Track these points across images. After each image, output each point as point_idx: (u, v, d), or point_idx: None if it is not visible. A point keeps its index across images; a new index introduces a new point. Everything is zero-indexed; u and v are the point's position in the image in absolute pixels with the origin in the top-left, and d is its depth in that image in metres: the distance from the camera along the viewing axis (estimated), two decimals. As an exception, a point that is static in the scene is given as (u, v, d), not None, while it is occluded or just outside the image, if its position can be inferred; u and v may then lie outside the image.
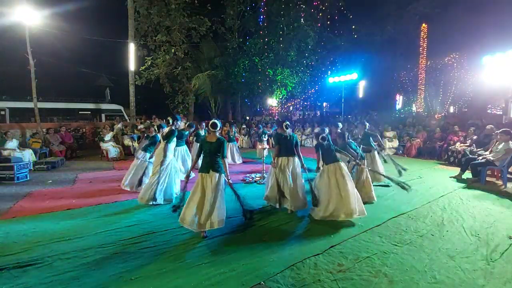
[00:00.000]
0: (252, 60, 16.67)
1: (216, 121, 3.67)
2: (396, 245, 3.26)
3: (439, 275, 2.66)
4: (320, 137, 4.35)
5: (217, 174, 3.51)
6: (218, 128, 3.66)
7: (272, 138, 7.35)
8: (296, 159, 4.41)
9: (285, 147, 4.42)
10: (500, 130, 6.00)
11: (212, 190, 3.43)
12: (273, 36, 16.99)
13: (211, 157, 3.55)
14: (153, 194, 4.61)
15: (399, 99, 19.37)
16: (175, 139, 5.24)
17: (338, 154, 4.32)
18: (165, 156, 4.77)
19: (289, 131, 4.47)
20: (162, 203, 4.67)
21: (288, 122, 4.54)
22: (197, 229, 3.40)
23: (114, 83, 21.55)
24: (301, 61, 17.64)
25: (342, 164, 4.13)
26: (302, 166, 4.38)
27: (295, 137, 4.51)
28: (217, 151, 3.55)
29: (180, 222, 3.45)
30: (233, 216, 4.15)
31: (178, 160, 6.04)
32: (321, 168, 4.26)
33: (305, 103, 24.01)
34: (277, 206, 4.35)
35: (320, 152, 4.26)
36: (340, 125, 6.63)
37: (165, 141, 4.88)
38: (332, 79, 18.23)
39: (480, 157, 6.40)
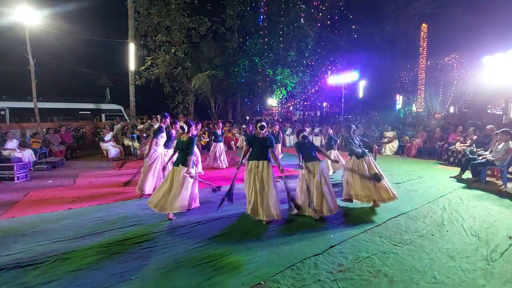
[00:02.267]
0: (252, 60, 16.68)
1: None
2: (396, 245, 3.26)
3: (439, 275, 2.66)
4: (300, 135, 4.34)
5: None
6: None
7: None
8: (266, 163, 4.00)
9: (257, 150, 4.08)
10: (500, 130, 5.99)
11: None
12: (273, 36, 17.00)
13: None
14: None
15: (399, 99, 19.36)
16: (162, 135, 5.34)
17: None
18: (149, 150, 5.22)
19: (264, 132, 4.16)
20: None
21: (264, 123, 4.21)
22: None
23: (114, 83, 21.53)
24: (301, 61, 17.66)
25: (321, 163, 4.21)
26: (279, 168, 4.03)
27: (269, 139, 4.09)
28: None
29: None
30: (232, 216, 4.16)
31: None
32: (302, 166, 4.22)
33: (305, 103, 24.03)
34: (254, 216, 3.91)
35: (300, 150, 4.26)
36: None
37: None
38: (332, 79, 18.23)
39: (480, 157, 6.40)
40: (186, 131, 4.19)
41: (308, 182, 4.07)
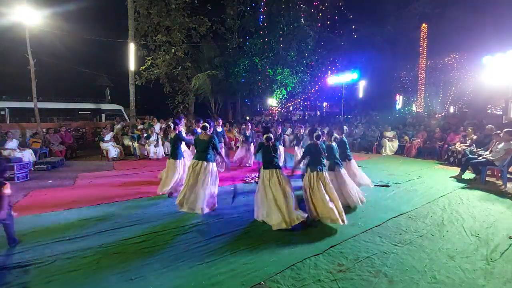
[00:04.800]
0: (252, 60, 16.69)
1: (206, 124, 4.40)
2: (396, 245, 3.26)
3: (439, 275, 2.66)
4: (265, 136, 3.99)
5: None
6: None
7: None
8: (205, 164, 4.17)
9: (197, 151, 4.29)
10: (504, 130, 5.96)
11: None
12: (273, 36, 17.02)
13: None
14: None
15: (399, 99, 19.37)
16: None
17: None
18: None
19: (204, 134, 4.23)
20: None
21: (206, 124, 4.25)
22: None
23: (114, 83, 21.56)
24: (301, 61, 17.68)
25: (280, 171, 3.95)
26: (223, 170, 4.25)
27: (210, 141, 4.23)
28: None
29: None
30: (232, 215, 4.16)
31: None
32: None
33: (305, 103, 24.08)
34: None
35: (261, 152, 4.02)
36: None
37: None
38: (332, 79, 18.24)
39: (480, 157, 6.40)
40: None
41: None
